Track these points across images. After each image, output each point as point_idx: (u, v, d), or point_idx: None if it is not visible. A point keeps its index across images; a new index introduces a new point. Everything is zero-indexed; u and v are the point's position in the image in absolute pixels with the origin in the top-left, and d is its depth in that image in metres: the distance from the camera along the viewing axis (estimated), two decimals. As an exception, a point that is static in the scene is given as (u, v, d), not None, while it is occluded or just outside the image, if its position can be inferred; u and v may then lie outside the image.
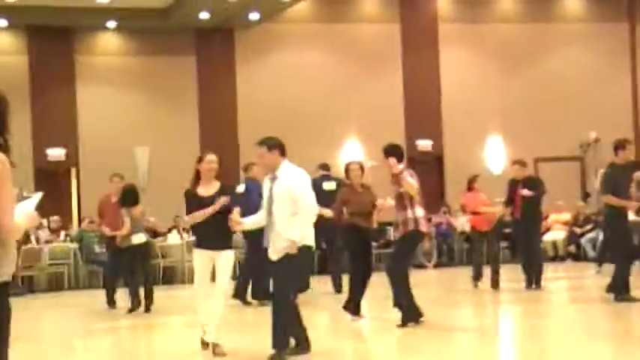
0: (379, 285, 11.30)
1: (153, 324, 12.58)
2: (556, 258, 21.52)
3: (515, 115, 24.56)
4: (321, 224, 9.30)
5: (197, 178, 8.95)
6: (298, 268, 8.36)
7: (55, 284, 19.04)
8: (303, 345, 8.53)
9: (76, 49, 22.84)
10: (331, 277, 15.10)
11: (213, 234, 8.71)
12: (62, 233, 20.16)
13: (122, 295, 13.74)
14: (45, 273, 18.95)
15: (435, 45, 24.63)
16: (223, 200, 8.72)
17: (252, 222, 8.69)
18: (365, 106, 23.66)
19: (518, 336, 10.54)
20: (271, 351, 8.11)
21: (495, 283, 14.46)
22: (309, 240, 8.25)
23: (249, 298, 13.63)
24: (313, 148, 20.51)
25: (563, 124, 24.50)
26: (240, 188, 13.22)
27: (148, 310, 13.32)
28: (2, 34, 22.63)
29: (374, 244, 15.43)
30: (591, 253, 20.45)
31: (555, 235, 21.85)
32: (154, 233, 19.57)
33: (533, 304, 12.96)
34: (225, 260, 8.69)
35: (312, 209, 8.24)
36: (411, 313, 10.27)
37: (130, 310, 13.27)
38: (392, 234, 20.53)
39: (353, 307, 11.19)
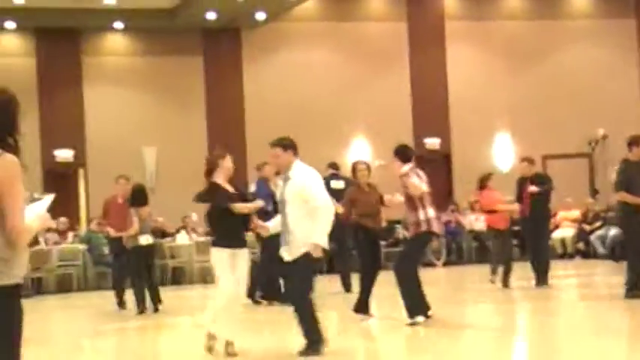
0: (387, 284, 11.28)
1: (162, 324, 12.58)
2: (565, 255, 21.48)
3: (523, 112, 24.49)
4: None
5: (211, 173, 8.82)
6: (312, 268, 8.41)
7: (64, 285, 19.05)
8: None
9: (84, 50, 22.86)
10: (340, 276, 15.08)
11: (237, 232, 8.70)
12: (70, 234, 20.18)
13: (131, 296, 13.75)
14: (54, 274, 18.96)
15: (442, 43, 24.58)
16: (260, 203, 9.01)
17: (276, 225, 8.62)
18: (372, 104, 23.61)
19: (528, 334, 10.50)
20: (285, 351, 8.10)
21: (506, 283, 14.39)
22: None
23: (257, 297, 13.64)
24: (321, 147, 20.46)
25: (570, 120, 24.42)
26: (252, 188, 13.30)
27: (156, 310, 13.37)
28: (10, 37, 22.69)
29: (382, 242, 15.40)
30: (600, 250, 20.40)
31: (564, 232, 21.78)
32: (163, 233, 19.58)
33: (542, 302, 12.94)
34: (245, 259, 8.70)
35: (328, 208, 8.22)
36: (415, 309, 10.18)
37: (140, 312, 13.28)
38: (401, 232, 20.51)
39: (362, 306, 11.17)
